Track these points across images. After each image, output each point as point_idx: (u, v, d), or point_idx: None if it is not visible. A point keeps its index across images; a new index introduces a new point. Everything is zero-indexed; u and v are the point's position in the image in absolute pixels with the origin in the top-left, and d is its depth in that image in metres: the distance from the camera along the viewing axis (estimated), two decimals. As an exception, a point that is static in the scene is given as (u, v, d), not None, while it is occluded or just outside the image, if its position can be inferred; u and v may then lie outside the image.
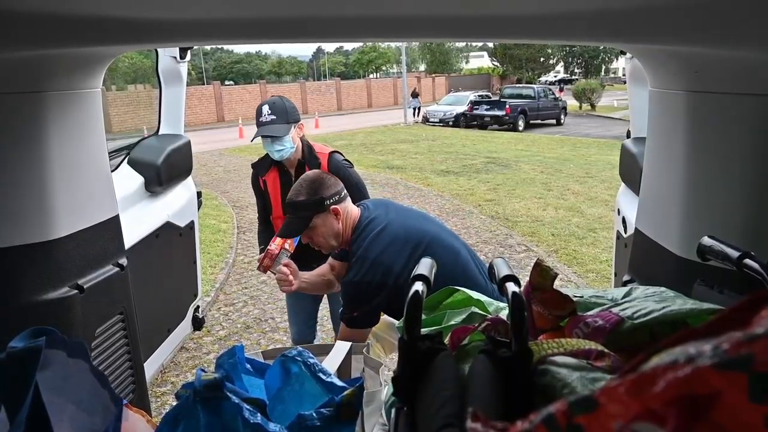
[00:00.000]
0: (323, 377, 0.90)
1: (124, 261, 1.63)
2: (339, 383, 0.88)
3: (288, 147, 2.50)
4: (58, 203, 1.31)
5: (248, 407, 0.83)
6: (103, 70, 1.40)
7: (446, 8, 1.02)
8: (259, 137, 2.49)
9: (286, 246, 2.51)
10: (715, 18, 0.94)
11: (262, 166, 2.67)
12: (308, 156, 2.58)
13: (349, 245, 1.88)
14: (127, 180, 2.31)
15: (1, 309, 1.28)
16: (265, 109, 2.49)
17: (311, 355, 0.94)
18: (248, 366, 1.02)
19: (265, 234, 2.70)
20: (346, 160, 2.64)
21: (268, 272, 2.50)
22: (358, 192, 2.56)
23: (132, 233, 2.02)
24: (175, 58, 2.50)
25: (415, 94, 26.09)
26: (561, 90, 25.38)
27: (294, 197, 1.85)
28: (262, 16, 1.06)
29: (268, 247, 2.49)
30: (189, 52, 2.63)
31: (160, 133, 2.76)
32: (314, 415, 0.78)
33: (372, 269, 1.76)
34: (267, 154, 2.61)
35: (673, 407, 0.27)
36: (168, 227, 2.51)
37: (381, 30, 1.15)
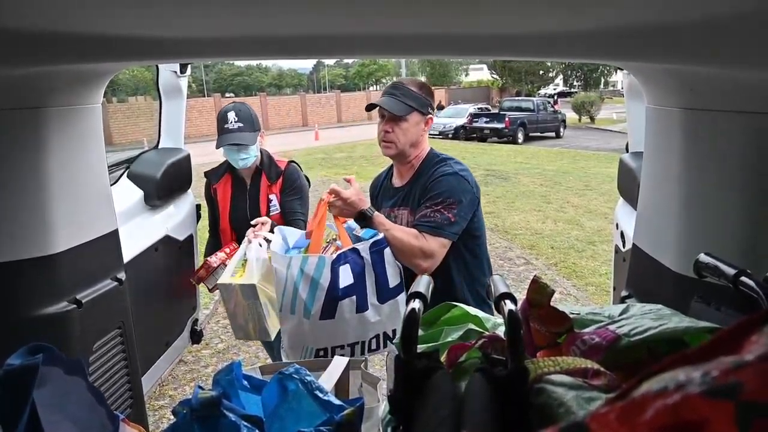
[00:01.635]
0: (320, 395, 0.90)
1: (122, 275, 1.63)
2: (336, 402, 0.88)
3: (252, 155, 2.44)
4: (57, 218, 1.32)
5: (246, 424, 0.83)
6: (103, 85, 1.41)
7: (446, 27, 1.03)
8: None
9: (227, 263, 2.33)
10: (711, 37, 0.96)
11: (216, 174, 2.59)
12: (267, 163, 2.53)
13: (421, 166, 1.90)
14: (127, 194, 2.32)
15: (1, 324, 1.28)
16: (231, 116, 2.39)
17: (308, 372, 0.94)
18: (245, 383, 1.02)
19: (214, 248, 2.58)
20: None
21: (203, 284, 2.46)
22: (299, 202, 2.53)
23: (131, 247, 2.02)
24: (176, 72, 2.52)
25: (440, 107, 26.10)
26: (556, 102, 25.42)
27: (407, 83, 1.88)
28: (262, 34, 1.08)
29: (208, 258, 2.45)
30: (189, 66, 2.65)
31: (159, 146, 2.77)
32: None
33: (468, 170, 1.85)
34: (222, 162, 2.57)
35: (662, 435, 0.27)
36: (167, 240, 2.51)
37: (382, 47, 1.16)
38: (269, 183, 2.52)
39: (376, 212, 1.83)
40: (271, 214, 2.49)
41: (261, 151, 2.53)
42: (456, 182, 1.80)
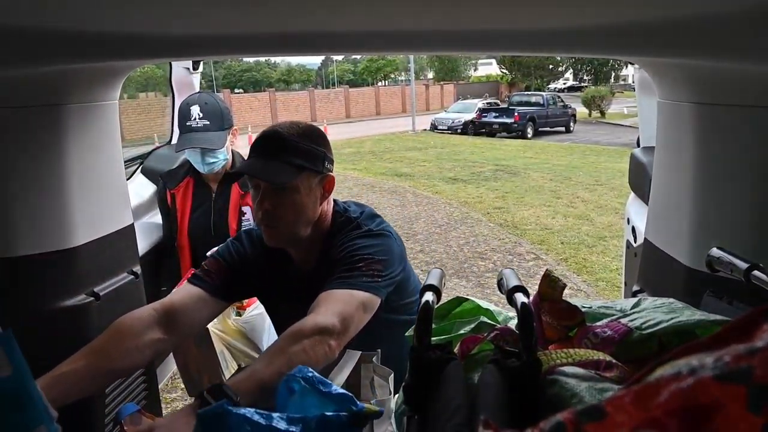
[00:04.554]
0: (322, 388, 0.93)
1: (138, 269, 1.66)
2: (337, 392, 0.91)
3: (221, 159, 1.99)
4: (76, 212, 1.35)
5: (257, 411, 0.86)
6: (120, 82, 1.43)
7: (457, 24, 1.04)
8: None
9: None
10: (723, 32, 0.96)
11: (174, 176, 2.12)
12: (239, 162, 2.03)
13: (329, 237, 1.35)
14: (141, 189, 2.35)
15: (21, 316, 1.31)
16: (195, 110, 1.94)
17: (309, 369, 0.97)
18: None
19: (171, 272, 2.08)
20: None
21: None
22: None
23: (145, 240, 2.05)
24: (188, 69, 2.54)
25: None
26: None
27: (285, 131, 1.26)
28: (275, 31, 1.09)
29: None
30: (201, 63, 2.67)
31: (172, 142, 2.80)
32: (334, 416, 0.82)
33: (384, 221, 1.36)
34: (182, 163, 2.14)
35: (676, 417, 0.28)
36: None
37: (393, 44, 1.17)
38: (242, 192, 2.03)
39: (227, 387, 0.97)
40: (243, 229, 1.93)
41: (233, 153, 2.08)
42: (375, 239, 1.30)
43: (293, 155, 1.24)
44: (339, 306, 1.14)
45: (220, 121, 1.98)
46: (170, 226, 2.13)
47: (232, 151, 2.10)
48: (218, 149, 1.96)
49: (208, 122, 1.95)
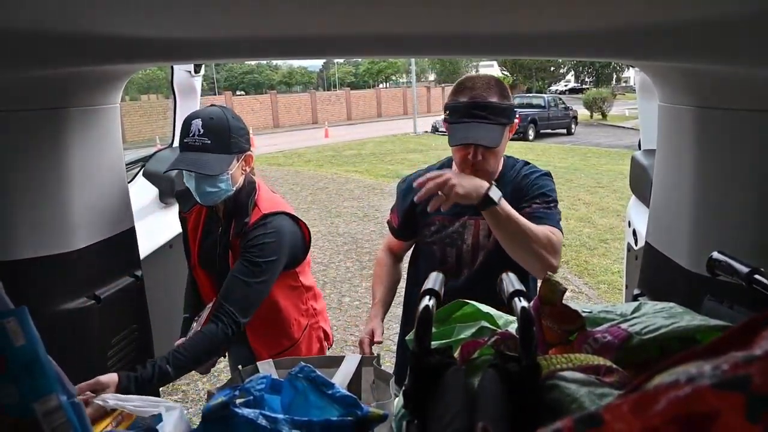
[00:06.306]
0: (326, 390, 0.93)
1: (139, 272, 1.67)
2: (340, 394, 0.91)
3: (223, 190, 1.53)
4: (77, 215, 1.35)
5: (263, 413, 0.86)
6: (122, 86, 1.44)
7: (458, 27, 1.04)
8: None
9: None
10: (723, 36, 0.96)
11: (187, 199, 1.71)
12: (244, 206, 1.59)
13: (501, 172, 1.61)
14: (142, 191, 2.35)
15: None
16: (196, 125, 1.48)
17: (313, 369, 0.97)
18: (269, 386, 1.05)
19: (193, 295, 1.82)
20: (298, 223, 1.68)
21: None
22: (249, 268, 1.52)
23: (147, 244, 2.05)
24: (190, 72, 2.54)
25: None
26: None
27: (486, 92, 1.46)
28: (276, 35, 1.09)
29: (193, 326, 1.67)
30: (203, 65, 2.68)
31: (174, 145, 2.80)
32: (339, 421, 0.83)
33: None
34: None
35: (674, 425, 0.28)
36: (181, 238, 2.54)
37: (395, 48, 1.17)
38: (235, 234, 1.62)
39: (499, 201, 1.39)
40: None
41: (246, 181, 1.62)
42: (553, 184, 1.60)
43: (500, 116, 1.48)
44: (560, 242, 1.50)
45: (225, 143, 1.51)
46: (186, 248, 1.83)
47: (246, 177, 1.63)
48: (217, 176, 1.49)
49: (208, 141, 1.48)
